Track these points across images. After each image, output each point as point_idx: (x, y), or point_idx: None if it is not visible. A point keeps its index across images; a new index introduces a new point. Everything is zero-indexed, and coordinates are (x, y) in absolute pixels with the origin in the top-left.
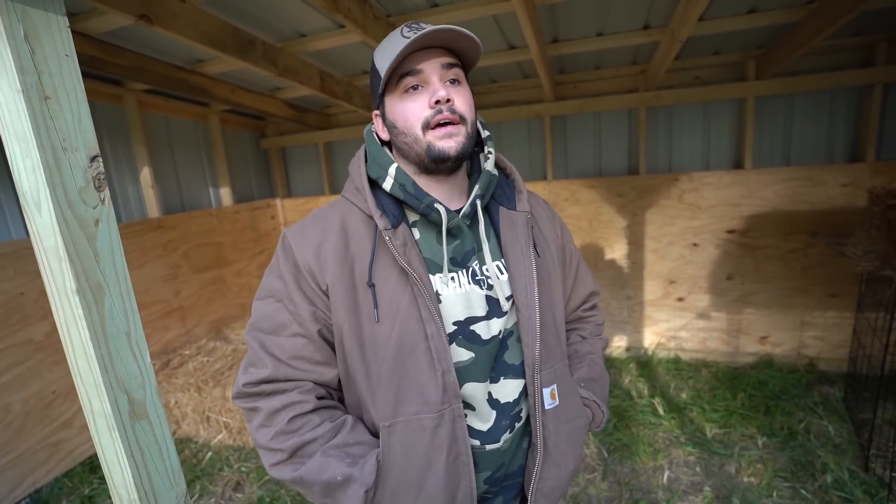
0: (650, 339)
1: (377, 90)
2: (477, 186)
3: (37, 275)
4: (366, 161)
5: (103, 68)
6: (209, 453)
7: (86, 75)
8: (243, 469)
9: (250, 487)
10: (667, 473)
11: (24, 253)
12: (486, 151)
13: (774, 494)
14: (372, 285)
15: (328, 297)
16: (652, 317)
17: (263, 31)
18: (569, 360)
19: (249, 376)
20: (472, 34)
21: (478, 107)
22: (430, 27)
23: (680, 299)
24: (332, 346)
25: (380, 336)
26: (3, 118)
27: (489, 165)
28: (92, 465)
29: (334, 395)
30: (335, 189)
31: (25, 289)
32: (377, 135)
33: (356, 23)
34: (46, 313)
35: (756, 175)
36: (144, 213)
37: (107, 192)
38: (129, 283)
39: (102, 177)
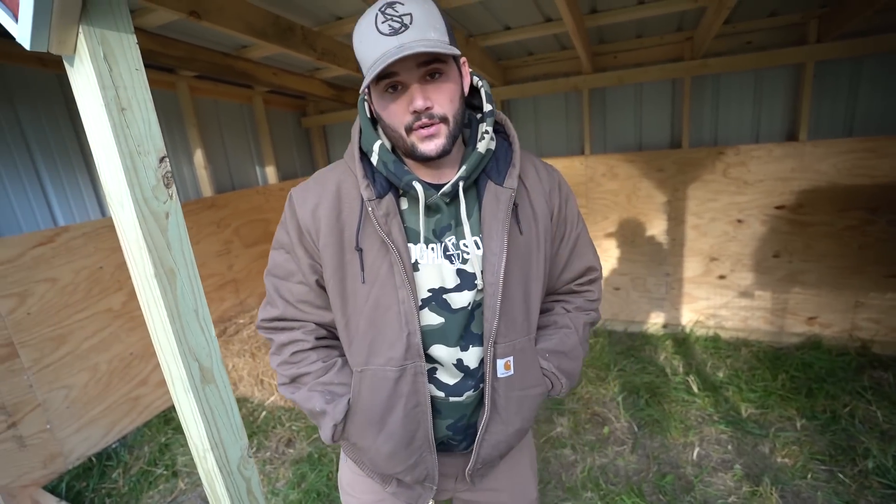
0: (688, 316)
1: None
2: (463, 168)
3: (112, 251)
4: (360, 130)
5: (159, 59)
6: (263, 412)
7: (144, 66)
8: (294, 428)
9: (300, 444)
10: (697, 450)
11: (101, 232)
12: (483, 128)
13: (809, 476)
14: (360, 250)
15: (320, 254)
16: (691, 294)
17: (302, 17)
18: (545, 328)
19: (266, 313)
20: (451, 50)
21: (513, 80)
22: (410, 34)
23: (721, 277)
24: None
25: (360, 295)
26: (90, 130)
27: (482, 146)
28: (166, 418)
29: (334, 335)
30: None
31: (104, 263)
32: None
33: None
34: (122, 285)
35: (812, 147)
36: (199, 192)
37: (174, 189)
38: (195, 267)
39: (170, 175)
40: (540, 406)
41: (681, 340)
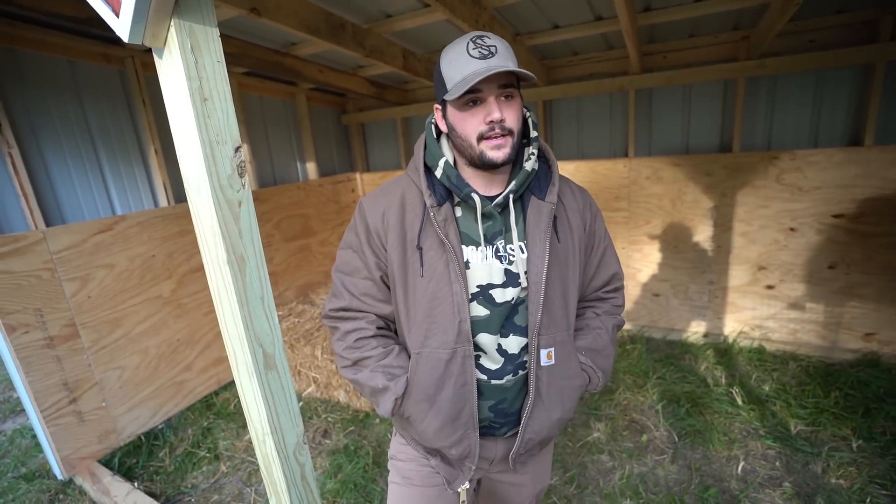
0: (732, 326)
1: (441, 92)
2: (513, 182)
3: (164, 240)
4: (425, 147)
5: None
6: (300, 403)
7: None
8: (330, 419)
9: (336, 436)
10: (742, 464)
11: (155, 221)
12: (529, 151)
13: (868, 500)
14: (420, 248)
15: (387, 252)
16: (735, 303)
17: (353, 14)
18: (579, 331)
19: (333, 304)
20: (530, 74)
21: (557, 80)
22: (496, 60)
23: (769, 287)
24: (389, 288)
25: (420, 288)
26: (174, 118)
27: (528, 165)
28: (208, 403)
29: (391, 327)
30: None
31: (156, 252)
32: (436, 126)
33: (445, 4)
34: (171, 273)
35: (878, 153)
36: None
37: (247, 178)
38: (262, 256)
39: (244, 165)
40: (578, 398)
41: (723, 351)
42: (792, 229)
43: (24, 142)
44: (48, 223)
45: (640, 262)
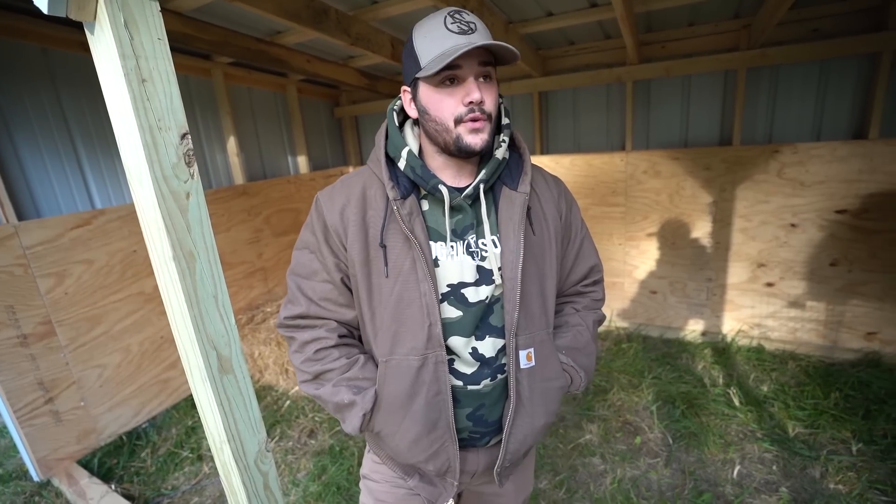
0: (730, 324)
1: (412, 71)
2: (483, 171)
3: None
4: (386, 137)
5: (194, 44)
6: (287, 402)
7: (179, 51)
8: (317, 419)
9: (322, 436)
10: (738, 468)
11: (136, 216)
12: (500, 138)
13: None
14: (384, 246)
15: (347, 252)
16: (734, 301)
17: (337, 0)
18: (558, 328)
19: (288, 311)
20: (515, 50)
21: (553, 71)
22: (476, 36)
23: (769, 284)
24: (351, 291)
25: (385, 289)
26: (110, 102)
27: (499, 153)
28: (193, 402)
29: (354, 334)
30: None
31: (138, 247)
32: (403, 111)
33: None
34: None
35: (883, 146)
36: (231, 179)
37: (195, 167)
38: (215, 251)
39: (191, 153)
40: (560, 401)
41: (721, 350)
42: (793, 225)
43: None
44: (21, 217)
45: (637, 259)
